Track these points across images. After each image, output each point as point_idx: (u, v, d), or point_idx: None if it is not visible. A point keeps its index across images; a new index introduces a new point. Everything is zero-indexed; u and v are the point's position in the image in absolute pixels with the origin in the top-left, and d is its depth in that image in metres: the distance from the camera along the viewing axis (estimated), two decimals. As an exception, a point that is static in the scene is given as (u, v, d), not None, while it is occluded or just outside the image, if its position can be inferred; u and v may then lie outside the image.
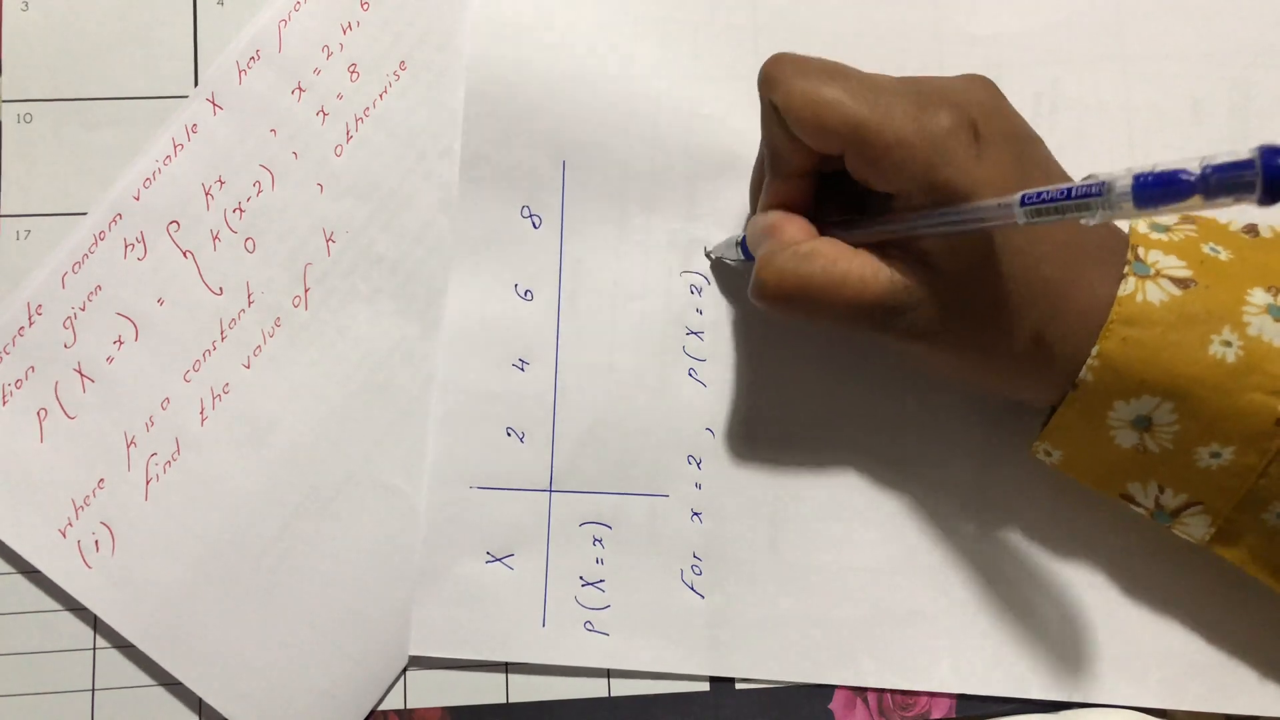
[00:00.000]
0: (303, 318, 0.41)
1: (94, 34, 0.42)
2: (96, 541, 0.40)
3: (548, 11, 0.42)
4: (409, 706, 0.40)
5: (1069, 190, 0.26)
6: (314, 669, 0.40)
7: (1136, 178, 0.24)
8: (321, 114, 0.41)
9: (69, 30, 0.42)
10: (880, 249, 0.33)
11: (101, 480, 0.40)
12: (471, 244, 0.41)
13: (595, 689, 0.40)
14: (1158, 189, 0.23)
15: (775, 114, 0.33)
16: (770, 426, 0.41)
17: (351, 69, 0.42)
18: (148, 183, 0.41)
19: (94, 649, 0.40)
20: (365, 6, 0.42)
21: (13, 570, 0.40)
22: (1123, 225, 0.35)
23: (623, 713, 0.40)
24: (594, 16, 0.42)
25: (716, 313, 0.41)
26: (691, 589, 0.40)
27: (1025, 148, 0.33)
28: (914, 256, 0.32)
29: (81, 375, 0.41)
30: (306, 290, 0.41)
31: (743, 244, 0.38)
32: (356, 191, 0.41)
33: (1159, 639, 0.39)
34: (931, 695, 0.40)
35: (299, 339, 0.41)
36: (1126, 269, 0.32)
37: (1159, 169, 0.23)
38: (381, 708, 0.40)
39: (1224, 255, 0.33)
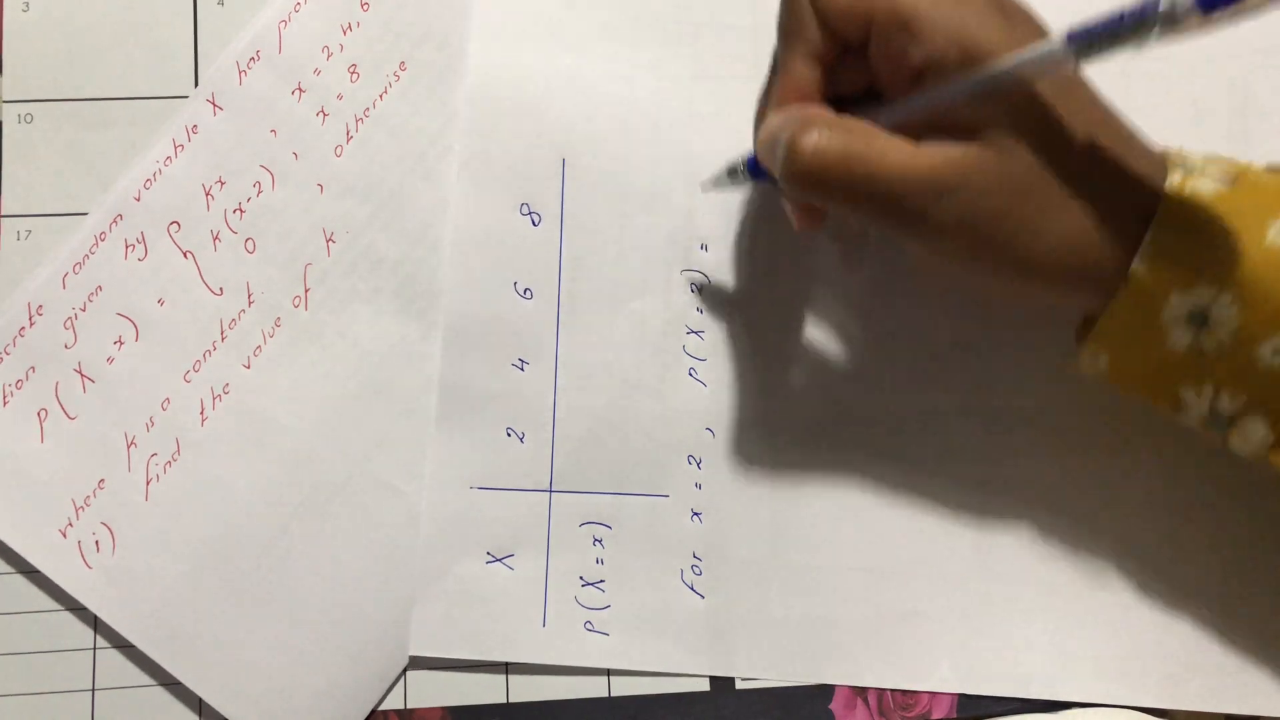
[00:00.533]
0: (303, 318, 0.41)
1: (94, 34, 0.42)
2: (97, 542, 0.40)
3: (548, 12, 0.42)
4: (409, 706, 0.40)
5: (1121, 15, 0.24)
6: (314, 669, 0.40)
7: None
8: (322, 114, 0.41)
9: (69, 30, 0.42)
10: (914, 135, 0.31)
11: (102, 480, 0.40)
12: (471, 243, 0.41)
13: (595, 689, 0.40)
14: None
15: None
16: (770, 426, 0.41)
17: (352, 69, 0.42)
18: (148, 183, 0.41)
19: (94, 649, 0.40)
20: (365, 7, 0.42)
21: (13, 570, 0.40)
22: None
23: (623, 713, 0.40)
24: (594, 16, 0.42)
25: (716, 312, 0.41)
26: (691, 589, 0.40)
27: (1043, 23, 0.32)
28: (952, 136, 0.30)
29: (82, 375, 0.41)
30: (307, 290, 0.41)
31: (750, 164, 0.37)
32: (356, 192, 0.41)
33: (1159, 639, 0.39)
34: (931, 695, 0.40)
35: (299, 339, 0.41)
36: (1170, 166, 0.31)
37: None
38: (381, 708, 0.40)
39: (1261, 178, 0.31)
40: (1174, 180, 0.30)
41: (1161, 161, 0.32)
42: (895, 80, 0.32)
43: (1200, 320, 0.31)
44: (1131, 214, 0.31)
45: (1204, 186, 0.30)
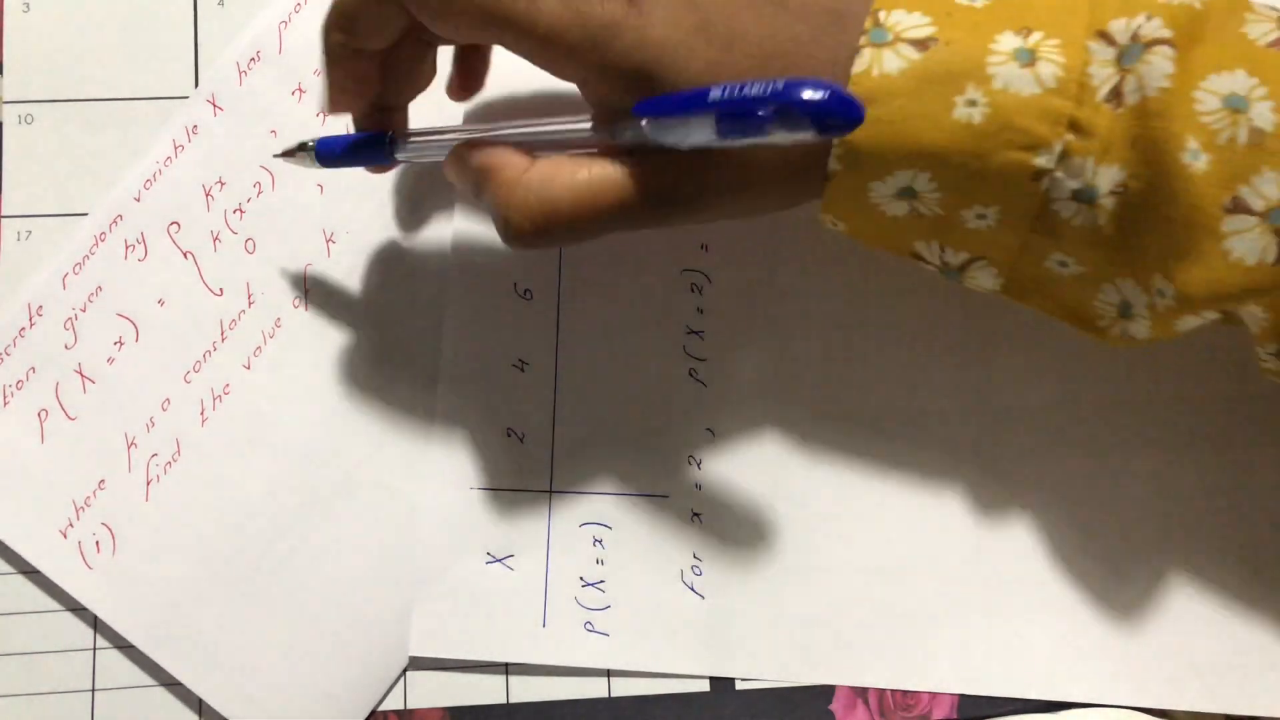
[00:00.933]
0: (303, 318, 0.41)
1: (94, 35, 0.42)
2: (97, 542, 0.40)
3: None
4: (409, 707, 0.40)
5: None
6: (314, 669, 0.40)
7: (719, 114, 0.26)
8: (322, 115, 0.41)
9: (69, 31, 0.42)
10: (610, 152, 0.31)
11: (102, 481, 0.40)
12: (471, 244, 0.41)
13: (595, 689, 0.40)
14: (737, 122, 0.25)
15: None
16: (770, 426, 0.41)
17: (352, 70, 0.42)
18: (148, 184, 0.41)
19: (94, 649, 0.40)
20: (365, 7, 0.42)
21: (13, 570, 0.40)
22: None
23: (623, 713, 0.40)
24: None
25: (716, 312, 0.41)
26: (691, 589, 0.40)
27: None
28: (645, 148, 0.31)
29: (82, 376, 0.41)
30: (307, 291, 0.41)
31: (320, 146, 0.37)
32: (357, 192, 0.41)
33: (1159, 639, 0.39)
34: (931, 695, 0.40)
35: (299, 340, 0.41)
36: (863, 40, 0.30)
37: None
38: (381, 708, 0.40)
39: (980, 1, 0.30)
40: (860, 65, 0.30)
41: (859, 22, 0.30)
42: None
43: (910, 194, 0.31)
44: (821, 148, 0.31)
45: (891, 65, 0.29)
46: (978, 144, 0.29)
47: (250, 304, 0.41)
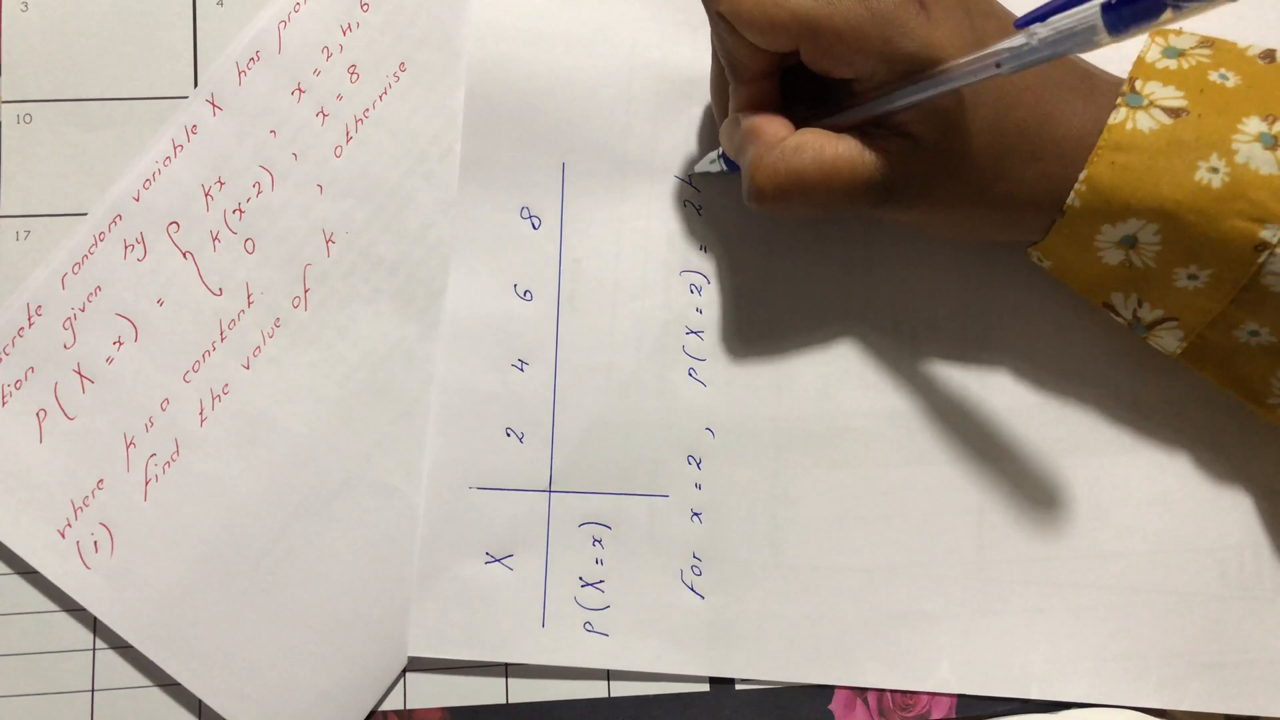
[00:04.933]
0: (302, 318, 0.41)
1: (94, 34, 0.42)
2: (96, 542, 0.40)
3: (547, 13, 0.42)
4: (409, 707, 0.40)
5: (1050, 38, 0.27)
6: (314, 669, 0.40)
7: (1103, 6, 0.25)
8: (321, 115, 0.41)
9: (69, 31, 0.42)
10: (861, 130, 0.34)
11: (101, 481, 0.40)
12: (471, 244, 0.41)
13: (595, 689, 0.40)
14: (1125, 10, 0.25)
15: (724, 22, 0.34)
16: (770, 426, 0.41)
17: (351, 70, 0.42)
18: (147, 184, 0.41)
19: (93, 650, 0.40)
20: (365, 8, 0.42)
21: (12, 571, 0.40)
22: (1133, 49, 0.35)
23: (623, 713, 0.40)
24: (593, 18, 0.42)
25: (716, 312, 0.41)
26: (691, 589, 0.40)
27: (970, 2, 0.33)
28: (894, 131, 0.33)
29: (81, 376, 0.41)
30: (306, 291, 0.41)
31: (723, 157, 0.39)
32: (356, 192, 0.41)
33: (1159, 639, 0.39)
34: (931, 695, 0.40)
35: (299, 340, 0.41)
36: (1120, 100, 0.33)
37: None
38: (381, 708, 0.40)
39: (1231, 82, 0.33)
40: (1116, 118, 0.33)
41: (1105, 87, 0.34)
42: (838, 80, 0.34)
43: (1130, 242, 0.34)
44: (1066, 159, 0.33)
45: (1145, 124, 0.33)
46: (1211, 206, 0.32)
47: (249, 304, 0.41)
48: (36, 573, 0.40)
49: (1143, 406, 0.40)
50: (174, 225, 0.41)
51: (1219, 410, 0.40)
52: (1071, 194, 0.33)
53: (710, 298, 0.41)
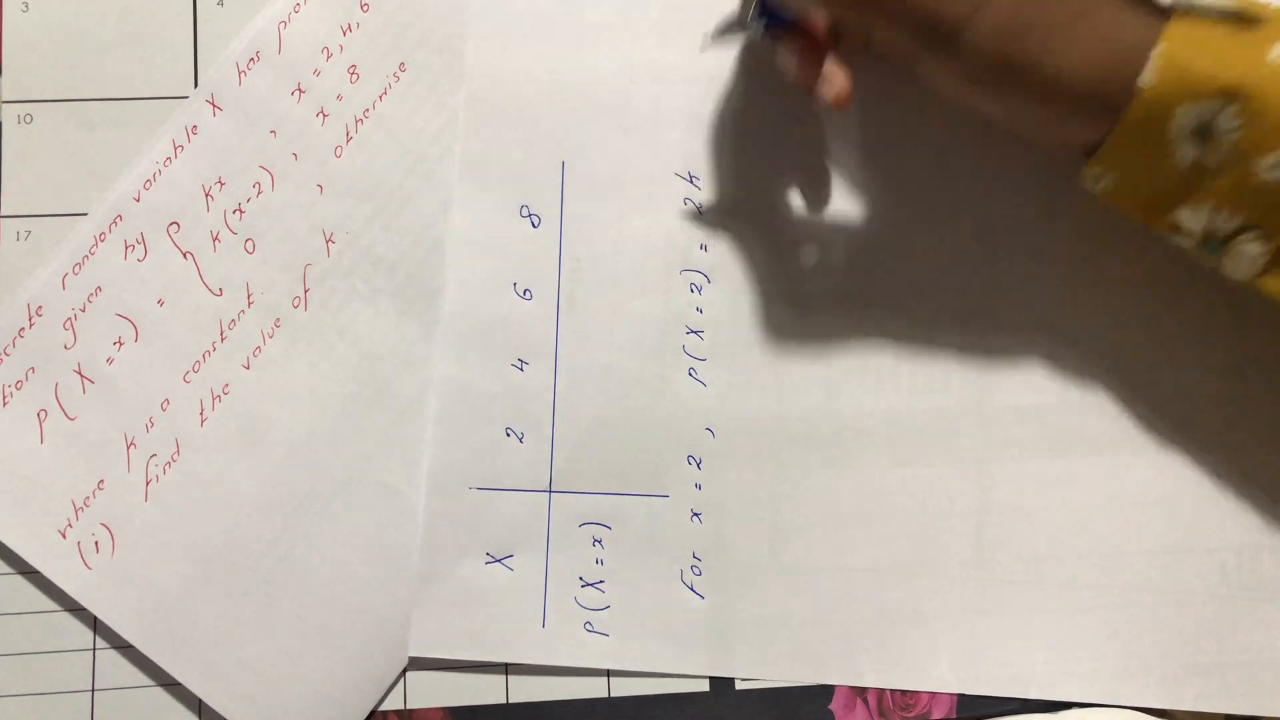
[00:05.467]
0: (302, 318, 0.41)
1: (94, 35, 0.42)
2: (96, 542, 0.40)
3: (547, 13, 0.42)
4: (409, 707, 0.40)
5: None
6: (314, 669, 0.40)
7: None
8: (321, 115, 0.41)
9: (69, 31, 0.42)
10: None
11: (101, 481, 0.40)
12: (471, 244, 0.41)
13: (595, 689, 0.40)
14: None
15: None
16: (770, 426, 0.41)
17: (351, 70, 0.42)
18: (148, 184, 0.41)
19: (94, 650, 0.40)
20: (365, 8, 0.42)
21: (12, 571, 0.40)
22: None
23: (623, 713, 0.40)
24: (593, 18, 0.42)
25: (716, 312, 0.41)
26: (691, 589, 0.40)
27: None
28: None
29: (81, 376, 0.41)
30: (306, 291, 0.41)
31: (763, 14, 0.36)
32: (356, 192, 0.41)
33: (1159, 639, 0.39)
34: (931, 695, 0.40)
35: (299, 340, 0.41)
36: None
37: None
38: (381, 708, 0.40)
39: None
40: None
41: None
42: None
43: (1204, 133, 0.31)
44: (1145, 33, 0.31)
45: (1211, 12, 0.31)
46: None
47: (250, 304, 0.41)
48: (37, 573, 0.40)
49: (1143, 407, 0.40)
50: (174, 225, 0.41)
51: (1220, 411, 0.40)
52: (1148, 69, 0.31)
53: (710, 297, 0.41)
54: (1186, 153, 0.32)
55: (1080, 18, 0.32)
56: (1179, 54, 0.31)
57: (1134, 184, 0.34)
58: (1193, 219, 0.33)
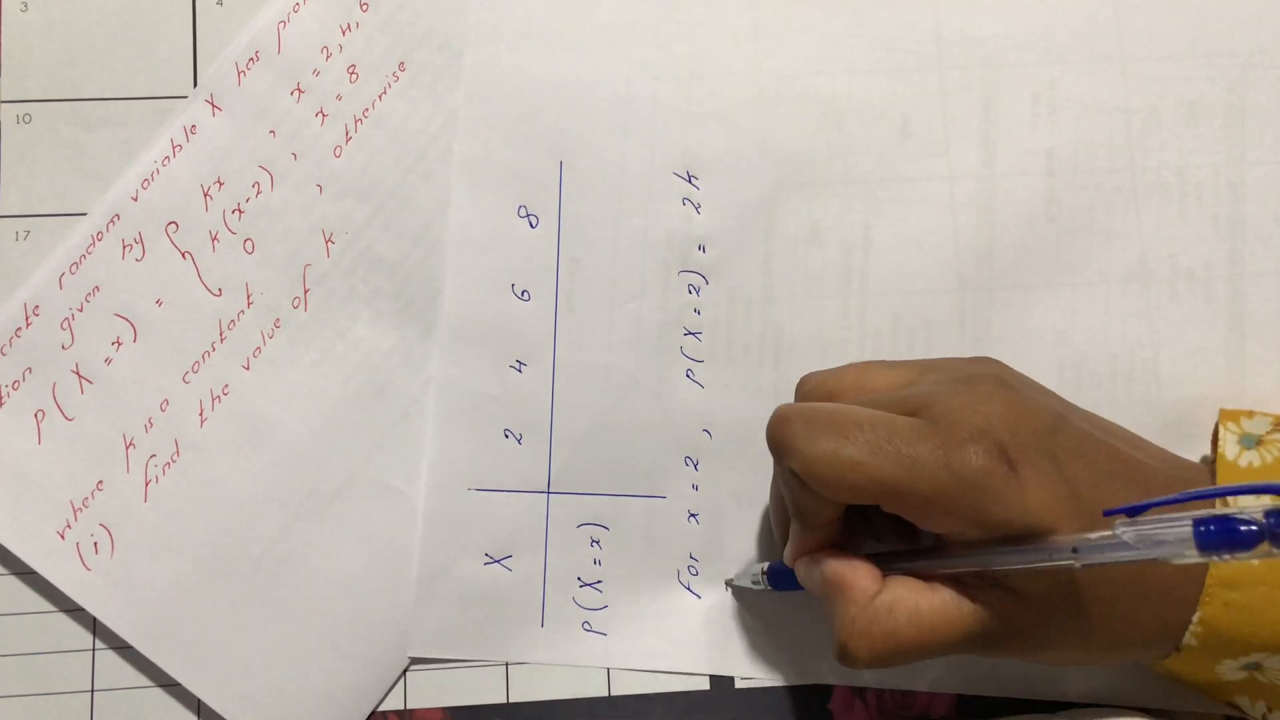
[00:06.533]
0: (302, 319, 0.41)
1: (93, 34, 0.42)
2: (95, 543, 0.40)
3: (546, 13, 0.42)
4: (409, 707, 0.40)
5: (1126, 541, 0.26)
6: (314, 670, 0.40)
7: (1196, 525, 0.24)
8: (321, 115, 0.41)
9: (68, 30, 0.42)
10: (954, 577, 0.31)
11: (100, 482, 0.40)
12: (469, 244, 0.41)
13: (595, 689, 0.40)
14: (1220, 537, 0.24)
15: (796, 478, 0.31)
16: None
17: (351, 70, 0.42)
18: (146, 184, 0.41)
19: (93, 650, 0.40)
20: (364, 8, 0.42)
21: (11, 572, 0.40)
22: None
23: (623, 712, 0.40)
24: (592, 17, 0.42)
25: (714, 313, 0.41)
26: (689, 589, 0.40)
27: (1058, 447, 0.31)
28: (991, 582, 0.31)
29: (80, 376, 0.41)
30: (306, 291, 0.41)
31: (771, 573, 0.38)
32: (356, 192, 0.41)
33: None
34: (931, 695, 0.40)
35: (298, 340, 0.41)
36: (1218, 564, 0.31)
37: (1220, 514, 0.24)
38: (382, 708, 0.40)
39: None
40: (1218, 570, 0.31)
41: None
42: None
43: (1254, 667, 0.33)
44: (1177, 600, 0.32)
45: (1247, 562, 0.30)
46: None
47: (249, 304, 0.41)
48: (36, 573, 0.40)
49: (1140, 405, 0.40)
50: (173, 225, 0.41)
51: (1216, 408, 0.40)
52: (1187, 634, 0.32)
53: (709, 298, 0.41)
54: (1237, 676, 0.33)
55: (1103, 620, 0.32)
56: (1218, 619, 0.31)
57: (1190, 680, 0.35)
58: (1249, 706, 0.35)
